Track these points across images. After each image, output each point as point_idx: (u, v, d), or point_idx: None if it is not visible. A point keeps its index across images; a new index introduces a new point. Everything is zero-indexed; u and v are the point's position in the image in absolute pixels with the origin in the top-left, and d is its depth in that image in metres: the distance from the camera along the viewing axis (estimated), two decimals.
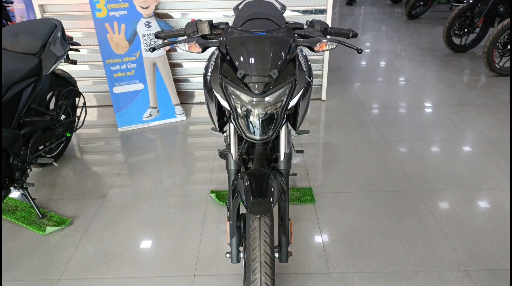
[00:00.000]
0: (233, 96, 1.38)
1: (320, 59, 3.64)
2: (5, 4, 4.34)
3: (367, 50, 5.59)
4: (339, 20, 7.63)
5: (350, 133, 3.18)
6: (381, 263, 1.89)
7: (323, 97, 3.78)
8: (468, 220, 2.16)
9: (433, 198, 2.36)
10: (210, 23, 1.57)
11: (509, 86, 4.04)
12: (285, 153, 1.51)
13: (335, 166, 2.72)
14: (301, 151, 2.33)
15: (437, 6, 8.07)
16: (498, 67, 4.23)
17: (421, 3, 7.34)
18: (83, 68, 3.66)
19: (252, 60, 1.32)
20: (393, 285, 1.77)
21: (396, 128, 3.24)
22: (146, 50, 3.30)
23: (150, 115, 3.43)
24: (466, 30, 5.08)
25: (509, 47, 4.16)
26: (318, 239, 2.06)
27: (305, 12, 3.46)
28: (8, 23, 4.42)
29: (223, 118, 1.55)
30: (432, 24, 6.97)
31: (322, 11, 3.44)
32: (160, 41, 3.22)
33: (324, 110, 3.63)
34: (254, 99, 1.34)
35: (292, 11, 3.46)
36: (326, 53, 3.60)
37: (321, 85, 3.74)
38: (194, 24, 1.58)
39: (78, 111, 2.89)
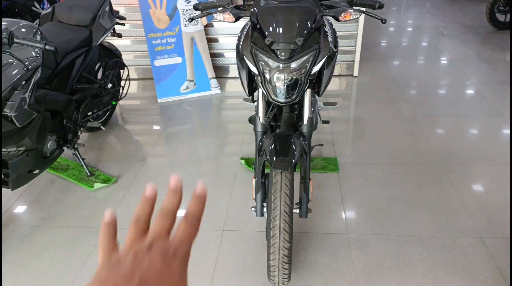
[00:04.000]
0: (262, 62, 1.51)
1: (354, 34, 3.65)
2: None
3: (409, 29, 5.47)
4: None
5: (380, 108, 3.22)
6: (398, 227, 1.99)
7: (355, 73, 3.81)
8: (489, 194, 2.20)
9: (457, 171, 2.40)
10: None
11: None
12: (308, 117, 1.63)
13: (362, 139, 2.80)
14: (327, 122, 2.43)
15: None
16: None
17: None
18: (125, 43, 3.89)
19: (279, 28, 1.44)
20: (407, 247, 1.88)
21: (428, 104, 3.24)
22: (185, 25, 3.47)
23: (187, 87, 3.63)
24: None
25: None
26: (339, 204, 2.18)
27: None
28: None
29: (252, 84, 1.69)
30: (478, 1, 6.67)
31: None
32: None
33: (355, 86, 3.67)
34: (281, 65, 1.47)
35: None
36: (360, 29, 3.60)
37: (353, 61, 3.76)
38: None
39: (123, 82, 3.12)
